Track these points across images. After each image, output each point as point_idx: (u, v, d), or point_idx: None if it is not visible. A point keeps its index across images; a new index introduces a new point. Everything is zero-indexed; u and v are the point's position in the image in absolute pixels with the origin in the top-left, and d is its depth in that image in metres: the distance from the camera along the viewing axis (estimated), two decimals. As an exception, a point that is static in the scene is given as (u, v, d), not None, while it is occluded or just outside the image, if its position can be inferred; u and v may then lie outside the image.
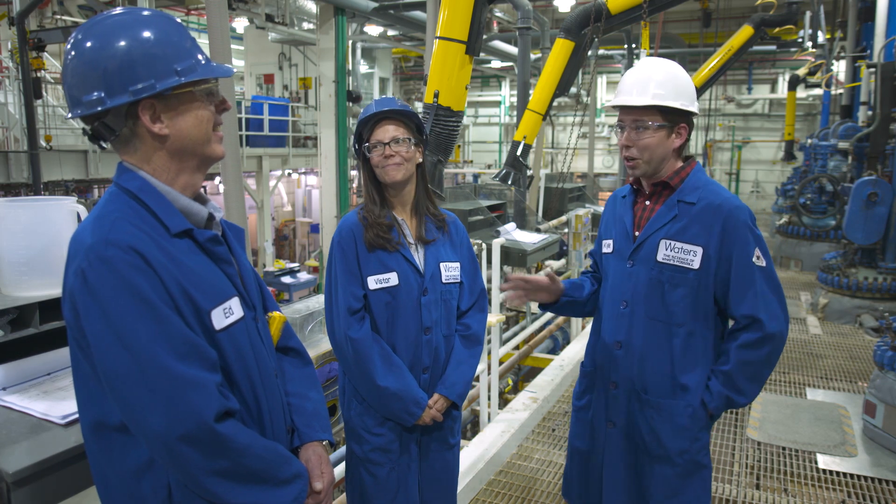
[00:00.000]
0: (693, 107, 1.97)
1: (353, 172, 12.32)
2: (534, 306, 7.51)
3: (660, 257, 1.97)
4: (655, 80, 1.95)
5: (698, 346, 1.98)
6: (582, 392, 2.24)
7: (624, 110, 1.99)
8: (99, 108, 1.26)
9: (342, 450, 3.72)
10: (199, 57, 1.34)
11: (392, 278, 2.07)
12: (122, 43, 1.26)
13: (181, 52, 1.31)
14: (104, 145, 1.36)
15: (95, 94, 1.26)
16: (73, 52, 1.28)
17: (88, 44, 1.27)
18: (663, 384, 1.99)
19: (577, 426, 2.25)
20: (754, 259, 1.91)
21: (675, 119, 1.96)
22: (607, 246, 2.16)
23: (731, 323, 2.01)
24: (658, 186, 2.05)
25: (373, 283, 2.06)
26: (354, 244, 2.07)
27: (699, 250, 1.92)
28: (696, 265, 1.93)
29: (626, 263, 2.06)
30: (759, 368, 1.95)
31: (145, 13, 1.33)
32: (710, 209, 1.94)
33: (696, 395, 1.97)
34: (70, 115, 1.30)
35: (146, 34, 1.28)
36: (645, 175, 2.04)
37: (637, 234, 2.06)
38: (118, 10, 1.32)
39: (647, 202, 2.07)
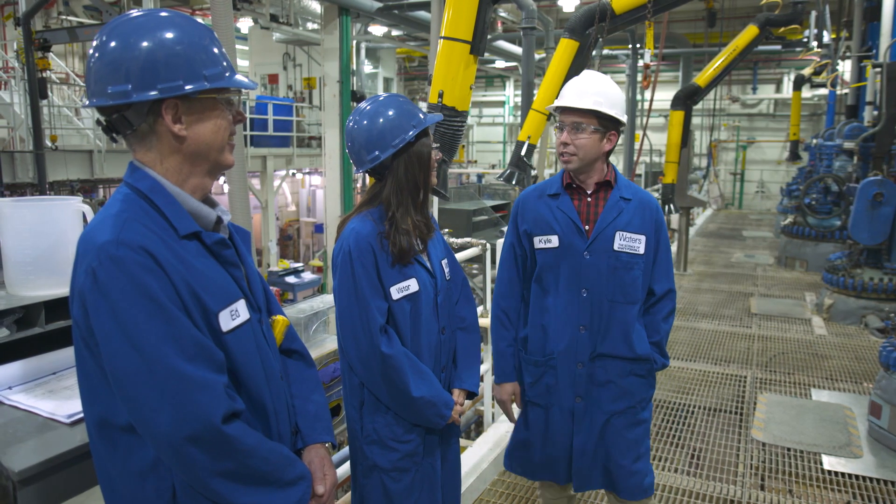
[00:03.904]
0: (623, 117, 2.26)
1: (357, 174, 12.30)
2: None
3: (616, 246, 2.27)
4: (594, 90, 2.23)
5: (638, 316, 2.34)
6: (534, 382, 2.39)
7: (566, 113, 2.26)
8: (124, 101, 1.27)
9: (344, 452, 3.72)
10: (225, 65, 1.36)
11: (412, 285, 2.03)
12: (160, 40, 1.28)
13: (211, 58, 1.33)
14: (116, 138, 1.37)
15: (123, 86, 1.26)
16: (109, 42, 1.28)
17: (128, 36, 1.28)
18: (623, 349, 2.31)
19: (533, 413, 2.43)
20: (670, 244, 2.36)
21: (607, 126, 2.25)
22: (545, 241, 2.33)
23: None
24: (600, 185, 2.32)
25: (396, 293, 2.01)
26: (374, 256, 1.98)
27: (643, 238, 2.28)
28: (641, 251, 2.28)
29: (583, 255, 2.28)
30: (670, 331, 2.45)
31: (185, 17, 1.35)
32: (644, 204, 2.32)
33: (647, 353, 2.34)
34: (89, 104, 1.30)
35: (183, 36, 1.30)
36: (577, 171, 2.30)
37: (587, 227, 2.30)
38: (164, 11, 1.35)
39: (589, 199, 2.32)
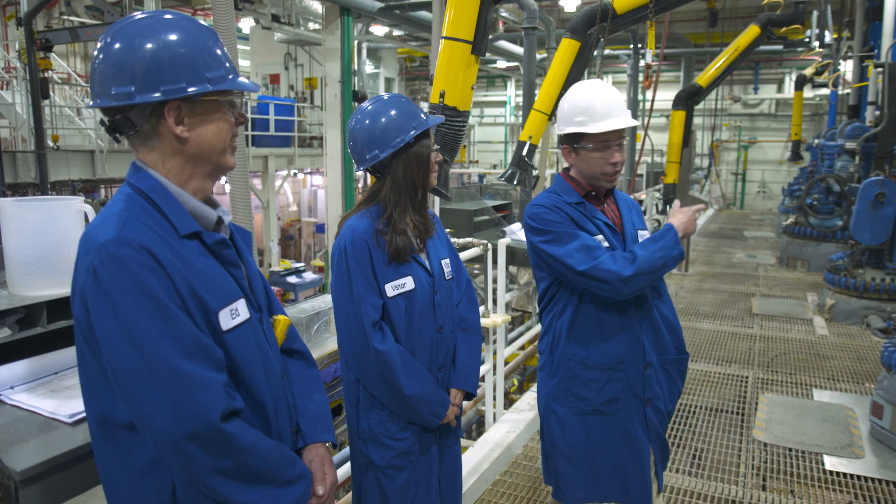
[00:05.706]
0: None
1: (358, 173, 12.29)
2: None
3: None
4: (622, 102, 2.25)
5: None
6: (602, 388, 2.25)
7: (617, 130, 2.21)
8: (128, 102, 1.27)
9: (346, 451, 3.73)
10: (228, 67, 1.36)
11: (408, 283, 2.05)
12: (164, 42, 1.29)
13: (214, 61, 1.34)
14: (119, 138, 1.37)
15: (127, 87, 1.27)
16: (114, 43, 1.29)
17: (132, 37, 1.28)
18: (676, 339, 2.37)
19: (602, 425, 2.27)
20: None
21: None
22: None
23: None
24: (609, 191, 2.38)
25: (391, 290, 2.03)
26: (369, 253, 2.01)
27: (646, 233, 2.38)
28: None
29: None
30: None
31: (189, 19, 1.36)
32: (631, 202, 2.43)
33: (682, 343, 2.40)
34: (92, 105, 1.30)
35: (186, 38, 1.31)
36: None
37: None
38: (168, 13, 1.35)
39: (605, 205, 2.35)
